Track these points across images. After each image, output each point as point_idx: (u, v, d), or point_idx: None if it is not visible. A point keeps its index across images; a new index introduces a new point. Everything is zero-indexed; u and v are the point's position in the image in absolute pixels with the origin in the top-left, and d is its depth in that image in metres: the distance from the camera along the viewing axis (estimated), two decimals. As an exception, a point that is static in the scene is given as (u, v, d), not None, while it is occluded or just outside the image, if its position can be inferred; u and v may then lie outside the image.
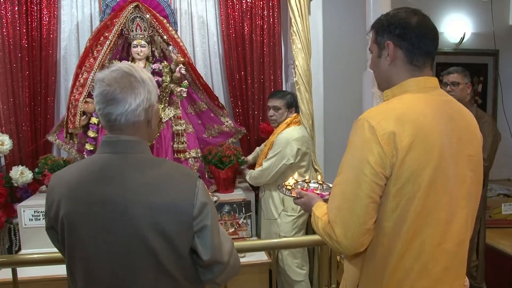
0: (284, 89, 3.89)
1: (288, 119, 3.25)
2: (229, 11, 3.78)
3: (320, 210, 1.50)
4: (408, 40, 1.39)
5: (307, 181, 1.95)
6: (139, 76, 1.33)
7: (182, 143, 3.38)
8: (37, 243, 3.06)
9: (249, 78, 3.80)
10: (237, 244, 2.67)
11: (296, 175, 2.02)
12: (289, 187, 1.89)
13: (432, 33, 1.41)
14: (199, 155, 3.47)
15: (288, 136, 3.13)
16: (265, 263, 3.04)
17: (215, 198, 2.46)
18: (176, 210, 1.26)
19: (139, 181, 1.28)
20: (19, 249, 3.35)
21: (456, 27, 4.91)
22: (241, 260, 2.91)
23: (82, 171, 1.35)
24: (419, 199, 1.30)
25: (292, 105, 3.28)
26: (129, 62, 3.40)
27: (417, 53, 1.40)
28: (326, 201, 1.57)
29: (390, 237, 1.34)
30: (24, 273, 2.45)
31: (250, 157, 3.59)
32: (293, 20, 3.55)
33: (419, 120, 1.31)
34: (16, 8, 3.50)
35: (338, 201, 1.36)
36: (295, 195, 1.76)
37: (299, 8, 3.52)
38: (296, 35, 3.55)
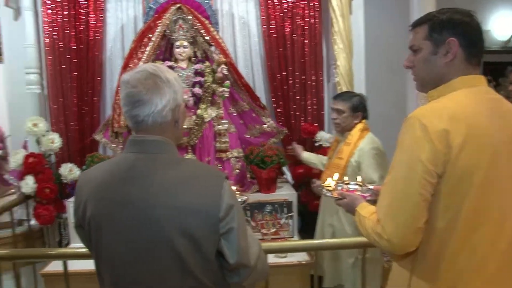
0: (325, 89, 3.87)
1: (360, 125, 2.84)
2: (270, 11, 3.80)
3: (365, 210, 1.48)
4: (470, 38, 1.38)
5: (346, 182, 1.92)
6: (164, 76, 1.32)
7: (224, 143, 3.42)
8: (86, 238, 3.15)
9: (290, 78, 3.80)
10: (278, 244, 2.70)
11: (335, 176, 2.00)
12: (330, 188, 1.88)
13: (483, 34, 1.41)
14: (241, 155, 3.50)
15: (377, 145, 2.79)
16: (306, 264, 3.04)
17: (244, 198, 2.45)
18: (201, 212, 1.24)
19: (165, 182, 1.27)
20: (68, 243, 3.49)
21: (504, 25, 4.76)
22: (282, 260, 2.96)
23: (108, 171, 1.36)
24: (472, 199, 1.29)
25: (358, 108, 2.85)
26: (171, 63, 3.47)
27: (474, 52, 1.39)
28: (367, 202, 1.57)
29: (442, 237, 1.32)
30: (74, 266, 2.53)
31: (306, 154, 3.36)
32: (334, 20, 3.54)
33: (472, 119, 1.29)
34: (66, 12, 3.64)
35: (388, 199, 1.35)
36: (336, 196, 1.75)
37: (340, 8, 3.51)
38: (337, 35, 3.54)
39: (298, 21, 3.77)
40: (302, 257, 3.05)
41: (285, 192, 3.46)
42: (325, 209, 3.01)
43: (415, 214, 1.30)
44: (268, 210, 3.26)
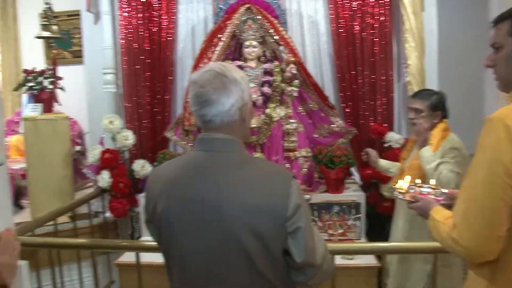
0: (395, 89, 3.78)
1: (442, 125, 2.67)
2: (338, 10, 3.75)
3: (440, 214, 1.43)
4: None
5: (419, 185, 1.84)
6: (231, 75, 1.32)
7: (293, 142, 3.43)
8: (156, 231, 3.26)
9: (359, 77, 3.74)
10: (345, 245, 2.66)
11: (407, 178, 1.94)
12: (402, 191, 1.83)
13: None
14: (309, 154, 3.49)
15: (458, 145, 2.61)
16: (374, 266, 2.99)
17: (307, 197, 2.43)
18: (269, 210, 1.25)
19: (233, 180, 1.28)
20: (140, 236, 3.63)
21: None
22: (349, 262, 2.93)
23: (178, 168, 1.38)
24: None
25: (438, 107, 2.67)
26: (240, 62, 3.53)
27: None
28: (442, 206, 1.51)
29: None
30: (145, 257, 2.63)
31: (383, 163, 3.17)
32: (405, 17, 3.45)
33: None
34: (140, 15, 3.79)
35: (466, 203, 1.29)
36: (409, 199, 1.70)
37: (412, 5, 3.41)
38: (408, 32, 3.45)
39: (367, 19, 3.70)
40: (369, 259, 3.01)
41: (353, 193, 3.42)
42: (399, 212, 2.92)
43: (495, 221, 1.23)
44: (335, 211, 3.24)
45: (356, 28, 3.72)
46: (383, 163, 3.16)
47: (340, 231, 3.23)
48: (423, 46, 3.45)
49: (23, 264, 2.53)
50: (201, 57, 3.53)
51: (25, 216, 3.75)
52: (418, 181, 1.89)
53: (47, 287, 3.08)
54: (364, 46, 3.72)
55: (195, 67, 3.52)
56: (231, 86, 1.31)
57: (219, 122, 1.32)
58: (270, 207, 1.25)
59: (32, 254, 3.05)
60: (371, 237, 3.37)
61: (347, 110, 3.80)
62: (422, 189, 1.82)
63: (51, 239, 2.86)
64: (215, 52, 3.50)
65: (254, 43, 3.51)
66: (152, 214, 1.39)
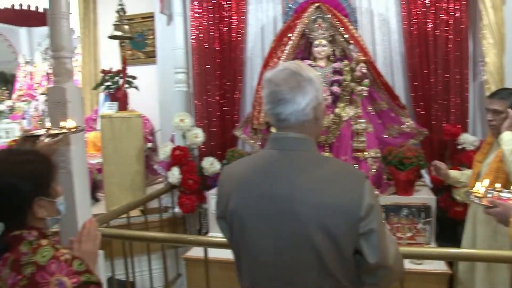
0: (470, 88, 3.62)
1: None
2: (411, 7, 3.64)
3: None
4: None
5: (498, 189, 1.74)
6: (307, 75, 1.32)
7: (362, 142, 3.37)
8: (223, 228, 3.32)
9: (432, 76, 3.61)
10: (414, 250, 2.57)
11: (485, 182, 1.84)
12: (479, 195, 1.74)
13: None
14: (379, 155, 3.42)
15: None
16: (444, 273, 2.88)
17: None
18: (342, 210, 1.24)
19: (306, 179, 1.28)
20: (207, 231, 3.71)
21: None
22: (418, 267, 2.84)
23: (251, 166, 1.40)
24: None
25: None
26: (310, 61, 3.52)
27: None
28: None
29: None
30: (212, 253, 2.68)
31: (453, 174, 2.98)
32: (483, 12, 3.29)
33: None
34: (211, 15, 3.89)
35: None
36: (487, 204, 1.63)
37: (492, -2, 3.25)
38: (487, 29, 3.29)
39: (441, 16, 3.57)
40: (439, 266, 2.90)
41: (423, 196, 3.31)
42: (475, 217, 2.78)
43: None
44: (404, 214, 3.15)
45: (429, 25, 3.60)
46: (454, 174, 2.98)
47: (409, 234, 3.14)
48: (503, 43, 3.27)
49: (99, 253, 2.69)
50: (271, 57, 3.55)
51: (100, 208, 3.94)
52: (498, 185, 1.80)
53: (119, 276, 3.23)
54: (438, 43, 3.59)
55: (265, 66, 3.55)
56: (307, 85, 1.31)
57: (294, 121, 1.32)
58: (343, 207, 1.25)
59: (107, 244, 3.21)
60: (441, 242, 3.25)
61: (419, 110, 3.68)
62: (501, 194, 1.73)
63: (124, 231, 2.99)
64: (285, 51, 3.51)
65: (324, 42, 3.48)
66: (224, 211, 1.42)
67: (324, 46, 3.49)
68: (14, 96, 7.17)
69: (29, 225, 1.32)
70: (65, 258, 1.25)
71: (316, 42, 3.50)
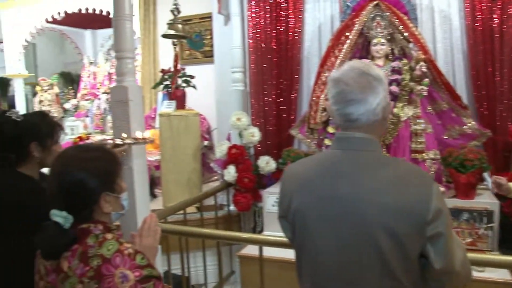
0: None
1: None
2: (475, 2, 3.49)
3: None
4: None
5: None
6: (376, 74, 1.31)
7: (420, 143, 3.28)
8: (277, 227, 3.28)
9: (497, 75, 3.45)
10: (476, 256, 2.47)
11: None
12: None
13: None
14: (438, 156, 3.31)
15: None
16: (508, 283, 2.74)
17: None
18: (409, 213, 1.22)
19: (372, 180, 1.27)
20: (262, 230, 3.73)
21: None
22: (480, 274, 2.72)
23: (314, 166, 1.39)
24: None
25: None
26: (368, 60, 3.46)
27: None
28: None
29: None
30: (267, 252, 2.70)
31: None
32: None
33: None
34: (268, 15, 3.91)
35: None
36: None
37: None
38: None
39: (510, 11, 3.40)
40: (503, 274, 2.76)
41: (486, 200, 3.16)
42: None
43: None
44: (465, 218, 3.04)
45: (495, 21, 3.44)
46: None
47: (469, 240, 3.02)
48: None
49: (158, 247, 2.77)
50: (328, 56, 3.52)
51: (157, 204, 4.04)
52: None
53: (175, 271, 3.31)
54: (504, 40, 3.42)
55: (322, 65, 3.53)
56: (377, 84, 1.30)
57: (365, 121, 1.31)
58: (410, 209, 1.22)
59: (164, 239, 3.30)
60: (504, 249, 3.10)
61: (482, 110, 3.53)
62: None
63: (181, 227, 3.06)
64: (342, 50, 3.47)
65: (382, 40, 3.42)
66: (286, 210, 1.42)
67: (382, 44, 3.42)
68: (78, 95, 7.52)
69: (95, 219, 1.37)
70: (128, 252, 1.29)
71: (375, 40, 3.44)
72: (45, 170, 1.89)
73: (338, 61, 3.45)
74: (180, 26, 4.01)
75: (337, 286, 1.32)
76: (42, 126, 1.87)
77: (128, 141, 2.15)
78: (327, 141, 3.48)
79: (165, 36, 4.08)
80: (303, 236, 1.37)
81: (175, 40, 4.21)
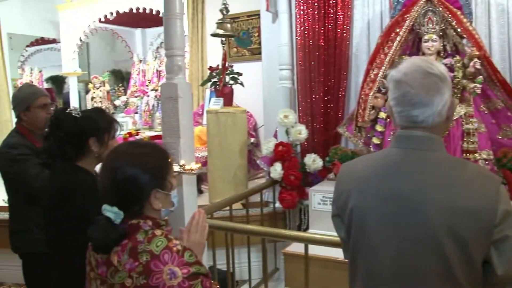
0: None
1: None
2: (535, -5, 3.36)
3: None
4: None
5: None
6: (440, 72, 1.26)
7: (473, 143, 3.16)
8: (323, 225, 3.30)
9: (559, 72, 3.30)
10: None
11: None
12: None
13: None
14: (491, 157, 3.19)
15: None
16: None
17: None
18: (475, 215, 1.17)
19: (437, 181, 1.22)
20: (307, 228, 3.72)
21: None
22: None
23: (374, 164, 1.36)
24: None
25: None
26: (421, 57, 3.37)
27: None
28: None
29: None
30: (312, 250, 2.68)
31: None
32: None
33: None
34: (316, 12, 3.88)
35: None
36: None
37: None
38: None
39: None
40: None
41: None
42: None
43: None
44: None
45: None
46: None
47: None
48: None
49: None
50: (377, 53, 3.46)
51: (204, 200, 4.11)
52: None
53: (220, 266, 3.34)
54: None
55: (371, 63, 3.47)
56: (443, 85, 1.26)
57: (431, 123, 1.27)
58: (476, 211, 1.18)
59: (209, 234, 3.34)
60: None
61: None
62: None
63: (227, 223, 3.10)
64: (392, 47, 3.39)
65: (434, 36, 3.32)
66: (341, 209, 1.39)
67: (434, 41, 3.32)
68: (128, 92, 7.73)
69: (145, 215, 1.38)
70: (177, 249, 1.30)
71: (426, 37, 3.35)
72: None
73: (387, 59, 3.38)
74: (228, 25, 4.05)
75: None
76: (100, 122, 1.95)
77: (177, 169, 2.17)
78: (375, 140, 3.43)
79: (214, 35, 4.14)
80: (359, 236, 1.34)
81: (223, 39, 4.26)
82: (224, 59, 4.27)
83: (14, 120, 2.86)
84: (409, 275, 1.24)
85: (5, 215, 3.51)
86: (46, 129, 2.03)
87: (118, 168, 1.35)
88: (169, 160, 1.48)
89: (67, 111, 1.96)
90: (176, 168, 2.04)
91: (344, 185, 1.40)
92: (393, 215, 1.25)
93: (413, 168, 1.27)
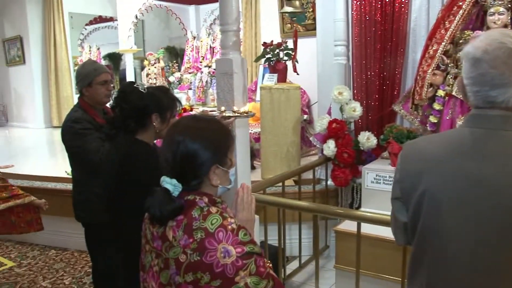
0: None
1: None
2: None
3: None
4: None
5: None
6: None
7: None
8: (375, 204, 3.27)
9: None
10: None
11: None
12: None
13: None
14: None
15: None
16: None
17: None
18: None
19: None
20: (359, 206, 3.69)
21: None
22: None
23: (448, 145, 1.26)
24: None
25: None
26: (482, 32, 3.21)
27: None
28: None
29: None
30: (362, 228, 2.66)
31: None
32: None
33: None
34: (373, -15, 3.76)
35: None
36: None
37: None
38: None
39: None
40: None
41: None
42: None
43: None
44: None
45: None
46: None
47: None
48: None
49: (255, 218, 2.84)
50: (437, 27, 3.32)
51: (256, 176, 4.12)
52: None
53: (271, 242, 3.39)
54: None
55: (430, 38, 3.33)
56: None
57: (511, 104, 1.18)
58: None
59: (261, 209, 3.39)
60: None
61: None
62: None
63: (279, 198, 3.13)
64: (454, 21, 3.24)
65: (501, 9, 3.13)
66: (407, 192, 1.31)
67: (501, 14, 3.14)
68: (182, 68, 7.86)
69: (202, 191, 1.38)
70: (231, 228, 1.29)
71: (492, 10, 3.17)
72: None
73: (448, 34, 3.24)
74: (297, 2, 4.02)
75: (471, 278, 1.21)
76: (164, 100, 2.01)
77: (233, 114, 2.20)
78: (432, 118, 3.32)
79: (284, 12, 4.12)
80: (431, 220, 1.24)
81: (286, 15, 4.22)
82: (295, 35, 4.25)
83: (75, 96, 2.99)
84: (490, 262, 1.17)
85: (70, 186, 3.71)
86: (111, 102, 2.11)
87: (180, 141, 1.34)
88: (231, 136, 1.47)
89: (134, 85, 2.03)
90: (229, 113, 2.08)
91: (412, 166, 1.31)
92: (472, 199, 1.17)
93: (493, 149, 1.19)
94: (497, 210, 1.14)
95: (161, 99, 2.00)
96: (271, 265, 1.41)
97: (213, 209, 1.33)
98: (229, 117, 2.26)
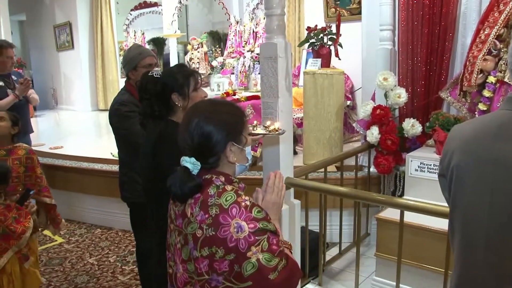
0: None
1: None
2: None
3: None
4: None
5: None
6: None
7: None
8: (419, 193, 3.21)
9: None
10: None
11: None
12: None
13: None
14: None
15: None
16: None
17: None
18: None
19: None
20: (402, 194, 3.64)
21: None
22: None
23: (480, 126, 1.31)
24: None
25: None
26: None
27: None
28: None
29: None
30: (406, 217, 2.62)
31: None
32: None
33: None
34: (421, -32, 3.63)
35: None
36: None
37: None
38: None
39: None
40: None
41: None
42: None
43: None
44: None
45: None
46: None
47: None
48: None
49: (296, 203, 2.85)
50: (491, 10, 3.17)
51: (297, 161, 4.11)
52: None
53: (311, 227, 3.40)
54: None
55: (482, 22, 3.20)
56: None
57: None
58: None
59: (303, 194, 3.40)
60: None
61: None
62: None
63: (321, 184, 3.12)
64: (509, 4, 3.09)
65: (560, -9, 2.99)
66: (446, 168, 1.37)
67: (560, -4, 2.99)
68: (225, 53, 7.89)
69: (219, 170, 1.45)
70: (245, 204, 1.36)
71: (553, -9, 3.02)
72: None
73: (502, 17, 3.10)
74: None
75: (483, 255, 1.24)
76: (178, 77, 2.03)
77: (262, 131, 2.07)
78: (481, 106, 3.20)
79: None
80: (456, 196, 1.32)
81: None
82: (338, 19, 4.19)
83: (121, 80, 3.07)
84: (502, 246, 1.20)
85: (115, 168, 3.80)
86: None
87: (196, 123, 1.42)
88: (245, 117, 1.53)
89: (148, 74, 2.10)
90: (261, 130, 2.03)
91: (451, 144, 1.37)
92: (490, 177, 1.21)
93: None
94: (510, 191, 1.16)
95: (175, 78, 2.03)
96: (290, 246, 1.49)
97: (229, 187, 1.41)
98: (257, 134, 2.03)
